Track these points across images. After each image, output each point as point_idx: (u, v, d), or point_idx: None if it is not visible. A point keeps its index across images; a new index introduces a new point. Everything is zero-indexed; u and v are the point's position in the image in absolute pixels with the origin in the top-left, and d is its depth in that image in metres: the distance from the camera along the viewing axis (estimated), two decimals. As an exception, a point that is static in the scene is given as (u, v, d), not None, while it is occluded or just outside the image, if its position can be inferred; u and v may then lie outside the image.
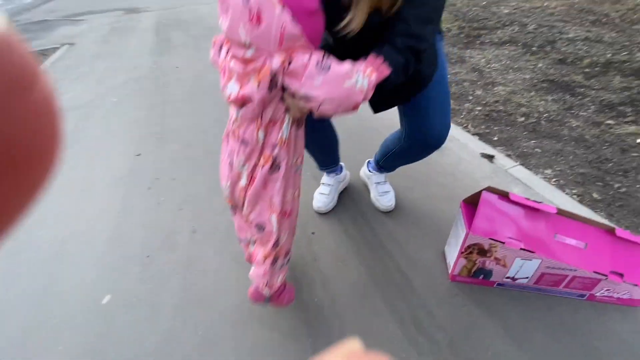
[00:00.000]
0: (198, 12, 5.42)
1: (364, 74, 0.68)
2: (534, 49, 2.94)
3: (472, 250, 1.02)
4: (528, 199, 0.99)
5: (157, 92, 2.73)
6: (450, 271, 1.13)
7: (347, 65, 0.68)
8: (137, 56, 3.63)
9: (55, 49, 4.21)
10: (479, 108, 2.21)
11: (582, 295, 1.05)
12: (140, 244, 1.37)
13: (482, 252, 1.01)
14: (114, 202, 1.60)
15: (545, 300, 1.07)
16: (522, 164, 1.70)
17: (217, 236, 1.37)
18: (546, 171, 1.66)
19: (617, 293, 1.00)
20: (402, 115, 1.13)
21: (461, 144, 1.83)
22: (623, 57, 2.60)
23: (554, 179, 1.61)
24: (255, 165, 0.80)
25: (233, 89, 0.71)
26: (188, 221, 1.46)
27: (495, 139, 1.92)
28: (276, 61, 0.64)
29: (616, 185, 1.54)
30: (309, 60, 0.65)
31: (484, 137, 1.94)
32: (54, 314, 1.14)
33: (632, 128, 1.85)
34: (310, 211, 1.45)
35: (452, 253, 1.12)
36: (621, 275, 0.96)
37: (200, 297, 1.15)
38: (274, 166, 0.78)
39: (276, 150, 0.77)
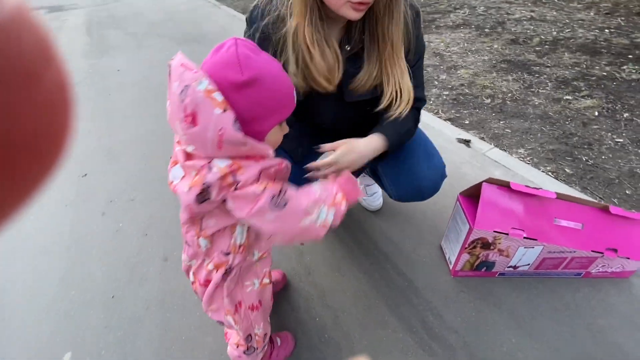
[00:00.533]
0: (135, 7, 4.93)
1: (331, 204, 0.60)
2: (486, 30, 3.02)
3: (475, 244, 0.98)
4: (528, 187, 0.96)
5: (99, 100, 2.41)
6: (452, 267, 1.09)
7: (309, 196, 0.58)
8: (69, 60, 3.20)
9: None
10: (446, 92, 2.21)
11: (579, 274, 1.06)
12: (101, 283, 1.16)
13: (486, 245, 0.97)
14: (62, 235, 1.36)
15: (545, 284, 1.07)
16: (496, 146, 1.71)
17: (194, 261, 1.21)
18: (519, 150, 1.69)
19: (611, 267, 1.02)
20: (380, 176, 1.05)
21: (436, 131, 1.80)
22: (567, 34, 2.75)
23: (527, 158, 1.64)
24: (200, 267, 0.67)
25: (175, 176, 0.57)
26: (156, 247, 1.27)
27: (467, 122, 1.93)
28: (214, 173, 0.51)
29: (584, 159, 1.60)
30: (262, 192, 0.53)
31: (455, 121, 1.94)
32: (-1, 387, 0.93)
33: (588, 102, 1.95)
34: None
35: (453, 248, 1.07)
36: (615, 250, 0.98)
37: (184, 337, 1.00)
38: (228, 271, 0.65)
39: (230, 258, 0.64)
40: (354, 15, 0.69)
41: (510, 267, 1.04)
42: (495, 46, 2.70)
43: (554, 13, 3.23)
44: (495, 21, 3.17)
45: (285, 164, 0.58)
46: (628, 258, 0.98)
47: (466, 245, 0.99)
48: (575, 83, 2.12)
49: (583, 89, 2.06)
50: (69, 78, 0.12)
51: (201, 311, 1.05)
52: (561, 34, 2.77)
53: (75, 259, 1.26)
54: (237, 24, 3.80)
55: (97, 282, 1.17)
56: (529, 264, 1.03)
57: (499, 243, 0.96)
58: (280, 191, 0.55)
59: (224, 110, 0.48)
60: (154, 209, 1.44)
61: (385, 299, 1.06)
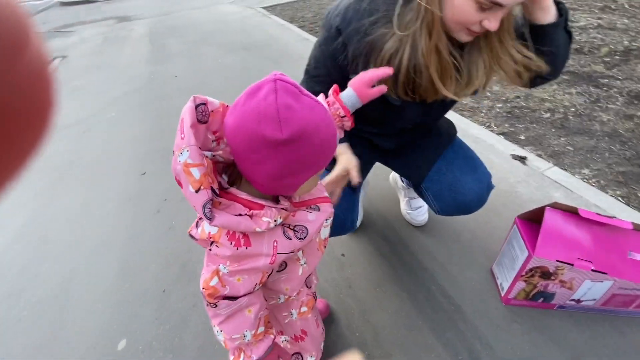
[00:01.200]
0: (192, 18, 5.29)
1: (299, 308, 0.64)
2: (546, 39, 2.82)
3: (533, 273, 0.91)
4: (599, 215, 0.88)
5: (158, 104, 2.60)
6: (504, 294, 1.02)
7: (240, 328, 0.60)
8: (133, 66, 3.50)
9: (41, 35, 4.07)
10: (500, 105, 2.09)
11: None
12: (155, 277, 1.25)
13: (546, 275, 0.90)
14: (122, 229, 1.48)
15: (612, 322, 0.96)
16: (556, 165, 1.58)
17: (238, 263, 1.25)
18: (583, 171, 1.55)
19: None
20: (423, 192, 1.02)
21: (488, 145, 1.71)
22: (642, 44, 2.49)
23: (593, 179, 1.50)
24: None
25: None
26: (204, 247, 1.33)
27: (522, 137, 1.81)
28: (199, 230, 0.55)
29: (663, 184, 1.43)
30: (212, 276, 0.56)
31: (509, 136, 1.83)
32: (65, 365, 1.02)
33: (668, 120, 1.74)
34: (337, 229, 1.34)
35: (506, 274, 1.00)
36: (589, 262, 0.86)
37: (226, 337, 1.03)
38: None
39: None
40: (467, 39, 0.70)
41: (572, 300, 0.95)
42: (557, 56, 2.52)
43: (625, 21, 2.94)
44: (557, 29, 2.96)
45: (272, 261, 0.55)
46: None
47: (523, 273, 0.92)
48: (652, 98, 1.91)
49: (662, 105, 1.85)
50: (47, 56, 0.13)
51: (244, 314, 1.09)
52: (634, 44, 2.51)
53: (131, 253, 1.36)
54: (285, 32, 3.92)
55: (150, 276, 1.25)
56: (594, 299, 0.93)
57: (562, 274, 0.88)
58: (225, 297, 0.56)
59: (197, 191, 0.46)
60: (203, 210, 1.52)
61: (430, 321, 1.02)
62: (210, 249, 0.54)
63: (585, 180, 1.50)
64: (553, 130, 1.83)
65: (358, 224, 1.33)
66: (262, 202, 0.52)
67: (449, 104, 0.91)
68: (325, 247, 0.69)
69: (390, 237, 1.29)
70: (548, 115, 1.94)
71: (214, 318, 0.59)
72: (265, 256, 0.54)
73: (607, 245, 0.88)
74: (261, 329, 0.62)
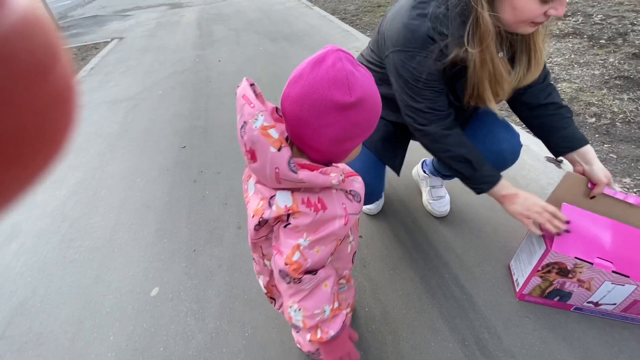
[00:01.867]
0: (238, 6, 5.48)
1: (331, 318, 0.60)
2: (602, 42, 2.64)
3: (550, 269, 0.90)
4: (616, 191, 0.86)
5: (201, 86, 2.76)
6: (518, 289, 1.01)
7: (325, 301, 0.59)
8: (181, 50, 3.72)
9: (106, 43, 4.42)
10: (541, 107, 2.01)
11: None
12: (187, 238, 1.37)
13: (564, 272, 0.89)
14: (161, 194, 1.62)
15: (633, 331, 0.93)
16: (595, 171, 1.51)
17: (262, 234, 1.34)
18: (624, 179, 1.47)
19: None
20: None
21: (523, 146, 1.66)
22: None
23: (635, 189, 1.42)
24: (271, 282, 0.71)
25: (250, 188, 0.60)
26: (233, 217, 1.44)
27: (561, 141, 1.73)
28: (272, 210, 0.53)
29: None
30: (296, 249, 0.54)
31: (547, 139, 1.76)
32: (106, 304, 1.16)
33: None
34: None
35: (523, 269, 1.00)
36: (610, 263, 0.82)
37: (245, 297, 1.12)
38: None
39: None
40: (530, 30, 0.74)
41: (590, 302, 0.93)
42: (611, 60, 2.36)
43: (700, 25, 2.67)
44: (615, 32, 2.75)
45: (345, 222, 0.56)
46: None
47: (539, 268, 0.91)
48: None
49: None
50: (74, 74, 0.12)
51: (263, 278, 1.17)
52: None
53: (169, 215, 1.49)
54: (326, 23, 3.96)
55: (183, 237, 1.37)
56: (615, 304, 0.91)
57: (580, 272, 0.87)
58: (312, 271, 0.56)
59: (279, 149, 0.47)
60: (235, 183, 1.62)
61: (439, 306, 1.04)
62: (288, 224, 0.53)
63: (626, 189, 1.42)
64: (597, 135, 1.73)
65: (380, 207, 1.36)
66: (320, 166, 0.54)
67: None
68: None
69: (409, 225, 1.31)
70: (593, 120, 1.84)
71: (294, 296, 0.58)
72: (339, 218, 0.55)
73: (628, 245, 0.85)
74: (336, 304, 0.62)
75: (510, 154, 1.03)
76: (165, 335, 1.05)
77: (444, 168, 1.14)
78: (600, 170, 0.88)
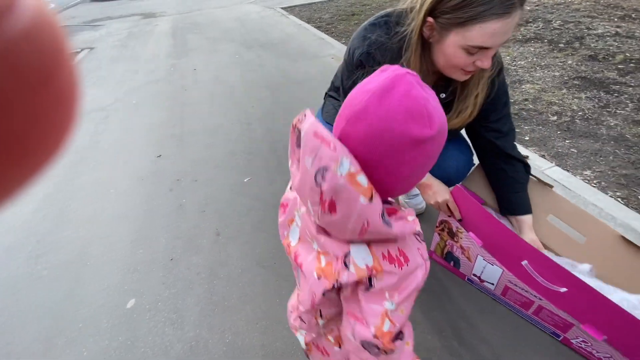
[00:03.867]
0: (213, 16, 5.46)
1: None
2: (561, 45, 2.82)
3: (443, 227, 1.00)
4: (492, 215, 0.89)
5: (176, 94, 2.73)
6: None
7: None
8: (155, 59, 3.66)
9: (75, 54, 4.29)
10: (507, 107, 2.11)
11: (557, 335, 0.91)
12: (164, 247, 1.33)
13: (451, 233, 0.98)
14: (136, 204, 1.58)
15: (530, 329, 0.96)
16: (558, 165, 1.60)
17: (242, 238, 1.33)
18: (585, 172, 1.56)
19: (597, 352, 0.83)
20: None
21: (491, 144, 1.74)
22: (659, 53, 2.46)
23: (594, 181, 1.51)
24: (318, 338, 0.61)
25: (295, 237, 0.52)
26: (211, 223, 1.42)
27: (527, 138, 1.83)
28: (350, 274, 0.44)
29: (665, 188, 1.43)
30: (384, 314, 0.45)
31: (514, 136, 1.85)
32: (79, 318, 1.11)
33: (677, 126, 1.73)
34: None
35: None
36: (602, 333, 0.78)
37: (226, 304, 1.11)
38: None
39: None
40: (463, 78, 0.76)
41: (475, 275, 1.02)
42: (570, 62, 2.52)
43: (646, 29, 2.90)
44: (573, 36, 2.94)
45: (426, 268, 0.48)
46: (619, 352, 0.78)
47: (437, 224, 1.02)
48: (662, 105, 1.90)
49: (672, 112, 1.84)
50: (79, 77, 0.12)
51: (243, 283, 1.16)
52: (651, 52, 2.48)
53: (144, 225, 1.46)
54: (302, 32, 4.02)
55: (160, 247, 1.34)
56: (493, 284, 0.98)
57: (460, 238, 0.96)
58: (399, 332, 0.47)
59: (370, 199, 0.39)
60: (212, 190, 1.61)
61: (419, 300, 1.06)
62: (371, 286, 0.45)
63: (587, 181, 1.51)
64: (559, 132, 1.84)
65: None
66: (396, 208, 0.47)
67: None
68: None
69: (387, 224, 1.34)
70: (555, 118, 1.95)
71: None
72: (420, 267, 0.47)
73: (504, 244, 0.88)
74: None
75: (454, 173, 1.02)
76: (142, 347, 1.01)
77: None
78: (529, 238, 0.93)
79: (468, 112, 0.84)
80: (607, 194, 1.43)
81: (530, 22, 3.41)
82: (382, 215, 0.40)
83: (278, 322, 1.03)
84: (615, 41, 2.75)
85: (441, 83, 0.84)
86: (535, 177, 0.99)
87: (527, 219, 0.94)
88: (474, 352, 0.92)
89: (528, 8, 3.77)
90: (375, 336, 0.46)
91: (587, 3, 3.68)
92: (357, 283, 0.45)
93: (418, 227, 0.45)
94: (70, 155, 2.03)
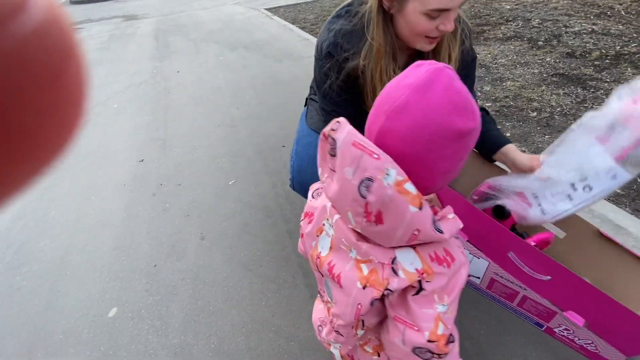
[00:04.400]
0: (196, 17, 5.40)
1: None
2: (540, 43, 2.89)
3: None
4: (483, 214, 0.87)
5: (159, 97, 2.68)
6: None
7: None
8: (137, 62, 3.60)
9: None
10: (489, 104, 2.15)
11: (540, 325, 0.92)
12: (147, 253, 1.31)
13: None
14: (118, 210, 1.55)
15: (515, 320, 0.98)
16: (538, 160, 1.64)
17: (226, 242, 1.32)
18: (564, 166, 1.60)
19: (579, 339, 0.84)
20: None
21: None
22: (633, 49, 2.54)
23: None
24: (354, 349, 0.59)
25: (324, 246, 0.49)
26: (195, 227, 1.40)
27: (508, 134, 1.86)
28: (400, 279, 0.42)
29: (639, 179, 1.47)
30: (437, 318, 0.43)
31: (496, 133, 1.88)
32: (58, 330, 1.08)
33: (650, 120, 1.79)
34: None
35: None
36: (584, 319, 0.79)
37: (211, 308, 1.09)
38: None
39: None
40: (428, 47, 0.76)
41: None
42: (548, 59, 2.58)
43: (620, 27, 3.00)
44: (551, 34, 3.02)
45: (468, 266, 0.47)
46: (601, 338, 0.79)
47: None
48: (636, 100, 1.96)
49: (645, 106, 1.90)
50: (87, 72, 0.12)
51: (228, 286, 1.15)
52: (625, 49, 2.57)
53: (127, 231, 1.43)
54: (287, 32, 4.01)
55: (143, 252, 1.31)
56: (479, 277, 0.98)
57: None
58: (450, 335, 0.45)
59: (420, 207, 0.38)
60: (196, 194, 1.58)
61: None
62: (420, 290, 0.43)
63: (565, 174, 1.55)
64: (539, 128, 1.88)
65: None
66: (437, 208, 0.46)
67: None
68: None
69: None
70: (535, 114, 2.00)
71: None
72: (464, 264, 0.46)
73: (490, 236, 0.88)
74: None
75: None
76: (125, 356, 0.99)
77: None
78: (524, 158, 0.89)
79: None
80: (585, 187, 1.47)
81: (510, 20, 3.48)
82: (434, 222, 0.39)
83: (264, 325, 1.02)
84: (592, 38, 2.83)
85: (417, 57, 0.84)
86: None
87: (512, 146, 0.93)
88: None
89: (508, 7, 3.85)
90: (430, 340, 0.44)
91: (565, 1, 3.78)
92: (406, 288, 0.44)
93: (461, 224, 0.44)
94: (49, 162, 1.98)
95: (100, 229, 1.46)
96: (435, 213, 0.43)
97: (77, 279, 1.24)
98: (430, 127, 0.39)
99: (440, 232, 0.40)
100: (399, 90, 0.40)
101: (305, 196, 1.03)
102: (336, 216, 0.47)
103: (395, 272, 0.43)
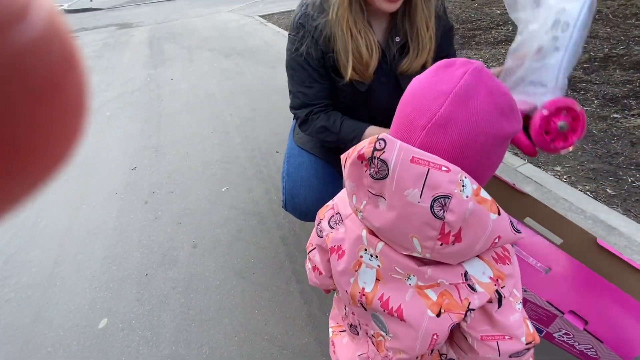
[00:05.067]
0: (190, 25, 5.42)
1: None
2: (530, 47, 2.92)
3: None
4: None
5: (153, 104, 2.68)
6: None
7: None
8: (131, 69, 3.59)
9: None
10: (481, 107, 2.17)
11: (540, 331, 0.88)
12: (138, 262, 1.29)
13: None
14: (110, 219, 1.53)
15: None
16: (530, 162, 1.65)
17: (219, 250, 1.30)
18: (556, 168, 1.61)
19: (579, 344, 0.80)
20: None
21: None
22: (621, 51, 2.58)
23: (565, 176, 1.56)
24: None
25: (368, 280, 0.44)
26: (188, 235, 1.38)
27: (500, 137, 1.88)
28: (480, 294, 0.39)
29: (630, 180, 1.49)
30: (521, 318, 0.41)
31: (488, 136, 1.90)
32: (47, 342, 1.06)
33: (639, 121, 1.81)
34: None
35: None
36: (584, 321, 0.76)
37: (203, 317, 1.07)
38: None
39: None
40: (388, 6, 0.74)
41: None
42: (538, 62, 2.61)
43: (608, 30, 3.05)
44: (541, 38, 3.06)
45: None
46: (601, 342, 0.77)
47: None
48: (625, 101, 1.99)
49: (634, 107, 1.92)
50: (88, 83, 0.12)
51: (221, 294, 1.14)
52: (614, 51, 2.61)
53: (118, 239, 1.41)
54: (280, 39, 4.03)
55: (134, 262, 1.30)
56: None
57: None
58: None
59: (499, 212, 0.35)
60: (189, 201, 1.57)
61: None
62: (500, 298, 0.40)
63: (557, 176, 1.56)
64: (530, 130, 1.90)
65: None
66: None
67: None
68: None
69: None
70: (526, 116, 2.01)
71: None
72: (513, 254, 0.44)
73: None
74: None
75: None
76: (115, 368, 0.97)
77: None
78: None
79: (427, 50, 0.83)
80: (576, 188, 1.48)
81: (501, 25, 3.53)
82: (512, 224, 0.37)
83: (257, 333, 1.01)
84: (580, 41, 2.87)
85: (393, 28, 0.84)
86: (510, 184, 0.99)
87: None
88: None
89: (498, 12, 3.91)
90: (528, 343, 0.42)
91: (554, 6, 3.84)
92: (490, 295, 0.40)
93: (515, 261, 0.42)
94: (40, 171, 1.96)
95: (91, 238, 1.44)
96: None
97: (66, 290, 1.22)
98: (480, 138, 0.36)
99: (519, 232, 0.37)
100: (435, 99, 0.36)
101: (299, 217, 1.02)
102: (380, 244, 0.42)
103: (472, 288, 0.39)
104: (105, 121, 2.50)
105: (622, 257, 0.85)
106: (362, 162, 0.38)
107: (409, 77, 0.86)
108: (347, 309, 0.56)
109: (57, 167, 0.12)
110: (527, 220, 0.97)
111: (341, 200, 0.51)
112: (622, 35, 2.86)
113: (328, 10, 0.80)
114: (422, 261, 0.40)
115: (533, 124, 0.64)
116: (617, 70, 2.32)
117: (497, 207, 0.36)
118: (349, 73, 0.82)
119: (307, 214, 1.00)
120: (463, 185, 0.34)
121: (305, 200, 0.98)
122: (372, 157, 0.37)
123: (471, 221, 0.34)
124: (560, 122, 0.60)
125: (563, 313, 0.80)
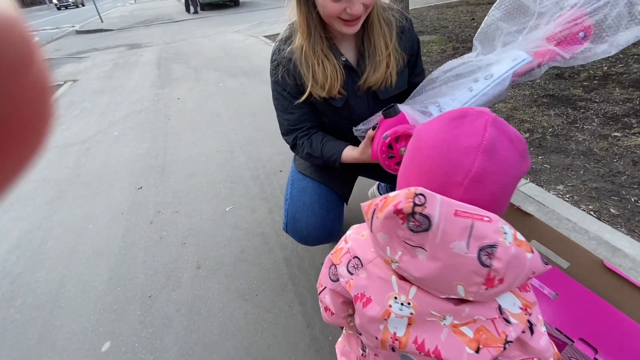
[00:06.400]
0: (197, 45, 5.59)
1: None
2: (529, 65, 2.97)
3: None
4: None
5: (159, 124, 2.74)
6: None
7: None
8: (139, 89, 3.70)
9: (58, 86, 4.30)
10: (482, 126, 2.19)
11: None
12: (142, 284, 1.30)
13: None
14: (115, 239, 1.55)
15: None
16: (532, 181, 1.65)
17: (223, 271, 1.31)
18: (558, 187, 1.62)
19: None
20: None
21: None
22: (620, 69, 2.62)
23: (567, 195, 1.56)
24: None
25: (399, 328, 0.43)
26: (192, 256, 1.40)
27: (502, 156, 1.89)
28: (515, 325, 0.40)
29: (633, 199, 1.48)
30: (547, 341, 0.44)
31: (490, 154, 1.91)
32: (50, 366, 1.06)
33: (640, 139, 1.82)
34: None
35: None
36: (594, 349, 0.76)
37: (205, 341, 1.07)
38: None
39: None
40: (347, 30, 0.77)
41: None
42: (538, 81, 2.65)
43: (606, 48, 3.09)
44: (540, 56, 3.11)
45: None
46: None
47: None
48: (626, 119, 2.00)
49: (635, 125, 1.93)
50: (49, 75, 0.13)
51: (224, 317, 1.14)
52: (613, 69, 2.64)
53: (123, 260, 1.42)
54: (284, 59, 4.13)
55: (139, 283, 1.31)
56: None
57: None
58: None
59: (532, 251, 0.38)
60: (193, 222, 1.59)
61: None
62: (532, 326, 0.42)
63: (560, 195, 1.56)
64: (531, 149, 1.91)
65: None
66: None
67: (394, 100, 0.94)
68: None
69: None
70: (527, 135, 2.03)
71: None
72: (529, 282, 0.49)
73: None
74: None
75: None
76: (117, 393, 0.97)
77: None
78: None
79: (383, 65, 0.85)
80: (579, 207, 1.47)
81: (500, 43, 3.60)
82: (541, 258, 0.39)
83: (259, 358, 1.00)
84: (579, 60, 2.91)
85: (361, 46, 0.87)
86: (515, 205, 1.00)
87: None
88: None
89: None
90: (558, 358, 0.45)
91: (552, 25, 3.92)
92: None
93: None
94: (48, 191, 2.00)
95: (97, 258, 1.45)
96: None
97: (71, 312, 1.23)
98: (511, 182, 0.40)
99: (548, 264, 0.39)
100: (465, 155, 0.38)
101: (299, 240, 1.03)
102: (413, 289, 0.43)
103: (507, 321, 0.40)
104: (113, 141, 2.56)
105: (630, 280, 0.85)
106: (397, 215, 0.39)
107: (382, 90, 0.91)
108: (366, 350, 0.55)
109: (35, 149, 0.13)
110: (533, 242, 0.97)
111: (356, 243, 0.51)
112: (621, 54, 2.90)
113: (294, 40, 0.86)
114: (459, 300, 0.41)
115: (373, 147, 0.79)
116: (617, 89, 2.34)
117: (531, 247, 0.38)
118: (317, 93, 0.87)
119: (307, 238, 1.01)
120: (504, 233, 0.36)
121: (306, 225, 1.00)
122: (415, 213, 0.38)
123: (513, 264, 0.36)
124: (402, 148, 0.75)
125: (573, 341, 0.79)
